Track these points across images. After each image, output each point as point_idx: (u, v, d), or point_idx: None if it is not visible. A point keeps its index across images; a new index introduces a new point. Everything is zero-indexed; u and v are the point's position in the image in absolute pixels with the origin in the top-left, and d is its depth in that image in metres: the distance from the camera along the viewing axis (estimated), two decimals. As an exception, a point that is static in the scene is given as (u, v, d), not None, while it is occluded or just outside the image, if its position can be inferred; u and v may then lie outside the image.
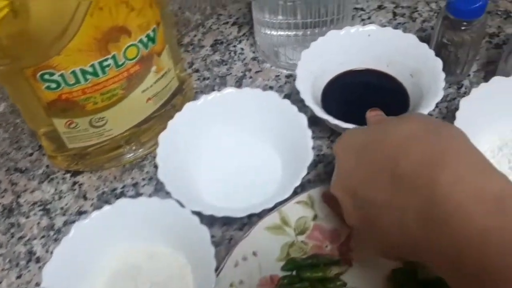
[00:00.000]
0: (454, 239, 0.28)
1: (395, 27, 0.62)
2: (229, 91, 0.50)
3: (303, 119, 0.47)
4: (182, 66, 0.54)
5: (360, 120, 0.42)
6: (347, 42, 0.53)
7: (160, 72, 0.48)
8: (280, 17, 0.55)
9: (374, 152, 0.34)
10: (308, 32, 0.57)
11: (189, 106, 0.49)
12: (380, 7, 0.65)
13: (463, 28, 0.50)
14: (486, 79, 0.55)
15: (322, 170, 0.51)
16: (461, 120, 0.45)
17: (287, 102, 0.48)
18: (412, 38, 0.51)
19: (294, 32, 0.57)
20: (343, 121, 0.46)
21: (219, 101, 0.50)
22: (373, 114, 0.41)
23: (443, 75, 0.47)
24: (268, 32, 0.58)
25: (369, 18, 0.64)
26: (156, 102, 0.50)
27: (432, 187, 0.30)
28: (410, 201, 0.31)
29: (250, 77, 0.60)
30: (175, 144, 0.48)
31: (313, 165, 0.51)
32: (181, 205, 0.42)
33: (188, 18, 0.64)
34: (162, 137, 0.47)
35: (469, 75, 0.56)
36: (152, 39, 0.45)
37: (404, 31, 0.61)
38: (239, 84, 0.59)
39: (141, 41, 0.44)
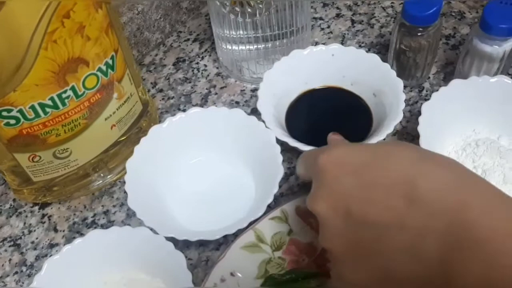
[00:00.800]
0: (487, 265, 0.26)
1: (355, 35, 0.63)
2: (194, 111, 0.50)
3: (270, 134, 0.47)
4: (144, 88, 0.53)
5: (325, 140, 0.43)
6: (311, 61, 0.54)
7: (122, 98, 0.47)
8: (240, 32, 0.55)
9: (380, 172, 0.32)
10: (270, 45, 0.57)
11: (154, 130, 0.48)
12: (338, 15, 0.66)
13: (419, 34, 0.51)
14: (445, 80, 0.57)
15: (294, 183, 0.51)
16: (424, 125, 0.46)
17: (253, 118, 0.48)
18: (374, 58, 0.52)
19: (255, 46, 0.57)
20: (307, 141, 0.47)
21: (185, 122, 0.49)
22: (334, 138, 0.42)
23: (403, 96, 0.48)
24: (230, 48, 0.58)
25: (328, 27, 0.65)
26: (121, 128, 0.49)
27: (462, 211, 0.28)
28: (431, 223, 0.28)
29: (216, 93, 0.59)
30: (144, 169, 0.47)
31: (285, 178, 0.51)
32: (155, 232, 0.42)
33: (148, 38, 0.64)
34: (130, 164, 0.46)
35: (429, 77, 0.58)
36: (111, 67, 0.44)
37: (364, 38, 0.63)
38: (204, 101, 0.59)
39: (100, 69, 0.43)
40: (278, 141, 0.47)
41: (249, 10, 0.51)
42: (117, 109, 0.47)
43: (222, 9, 0.52)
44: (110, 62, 0.44)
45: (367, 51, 0.60)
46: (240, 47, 0.57)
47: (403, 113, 0.55)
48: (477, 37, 0.49)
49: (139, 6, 0.61)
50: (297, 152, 0.52)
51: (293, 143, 0.46)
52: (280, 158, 0.45)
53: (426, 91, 0.57)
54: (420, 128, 0.46)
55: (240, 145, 0.49)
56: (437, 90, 0.48)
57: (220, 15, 0.54)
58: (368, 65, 0.52)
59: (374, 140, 0.46)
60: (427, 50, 0.52)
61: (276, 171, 0.45)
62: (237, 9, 0.51)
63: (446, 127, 0.49)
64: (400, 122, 0.54)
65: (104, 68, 0.44)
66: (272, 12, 0.52)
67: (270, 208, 0.45)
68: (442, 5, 0.50)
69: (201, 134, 0.50)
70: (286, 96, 0.54)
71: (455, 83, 0.48)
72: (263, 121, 0.48)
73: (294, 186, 0.51)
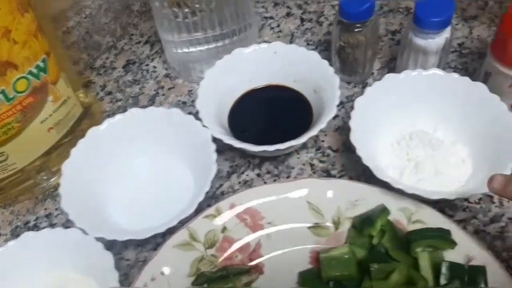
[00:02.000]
0: None
1: (303, 33, 0.64)
2: (133, 111, 0.50)
3: (207, 133, 0.47)
4: (86, 91, 0.53)
5: (267, 136, 0.43)
6: (254, 60, 0.54)
7: (58, 101, 0.48)
8: (184, 34, 0.56)
9: None
10: (216, 45, 0.58)
11: (92, 132, 0.49)
12: (288, 14, 0.67)
13: (356, 30, 0.51)
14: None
15: (235, 181, 0.51)
16: (357, 119, 0.46)
17: (190, 117, 0.49)
18: (314, 55, 0.52)
19: (202, 47, 0.57)
20: (251, 139, 0.48)
21: (123, 123, 0.50)
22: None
23: (338, 92, 0.48)
24: (176, 50, 0.58)
25: (278, 26, 0.65)
26: (59, 130, 0.49)
27: None
28: None
29: (163, 95, 0.60)
30: (82, 171, 0.48)
31: (227, 177, 0.52)
32: (85, 233, 0.42)
33: (98, 42, 0.64)
34: (65, 166, 0.47)
35: (373, 73, 0.58)
36: (43, 69, 0.45)
37: (312, 36, 0.63)
38: (152, 102, 0.59)
39: (30, 72, 0.44)
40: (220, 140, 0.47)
41: (186, 10, 0.52)
42: (54, 112, 0.48)
43: (163, 10, 0.53)
44: (42, 65, 0.45)
45: (314, 49, 0.62)
46: (187, 50, 0.57)
47: (346, 109, 0.56)
48: (412, 31, 0.50)
49: (87, 10, 0.62)
50: (240, 152, 0.52)
51: (228, 140, 0.47)
52: (214, 156, 0.46)
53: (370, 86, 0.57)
54: (352, 123, 0.46)
55: (179, 145, 0.50)
56: (371, 85, 0.49)
57: (163, 19, 0.54)
58: (309, 62, 0.53)
59: (310, 134, 0.46)
60: (365, 45, 0.53)
61: (210, 169, 0.45)
62: (176, 9, 0.52)
63: (382, 121, 0.49)
64: (342, 117, 0.55)
65: (35, 71, 0.44)
66: (212, 11, 0.53)
67: (209, 206, 0.45)
68: (375, 2, 0.50)
69: (141, 135, 0.50)
70: (229, 95, 0.54)
71: (389, 77, 0.49)
72: (201, 120, 0.48)
73: (235, 184, 0.51)
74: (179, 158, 0.50)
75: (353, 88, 0.57)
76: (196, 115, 0.49)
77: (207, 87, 0.51)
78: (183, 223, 0.44)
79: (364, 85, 0.57)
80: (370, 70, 0.57)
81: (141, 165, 0.51)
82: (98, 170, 0.49)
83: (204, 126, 0.48)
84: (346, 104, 0.56)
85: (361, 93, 0.56)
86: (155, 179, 0.51)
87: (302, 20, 0.66)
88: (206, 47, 0.57)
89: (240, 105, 0.55)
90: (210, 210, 0.45)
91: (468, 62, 0.57)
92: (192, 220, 0.44)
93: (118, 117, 0.50)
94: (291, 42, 0.63)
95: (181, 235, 0.44)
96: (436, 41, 0.49)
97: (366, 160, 0.43)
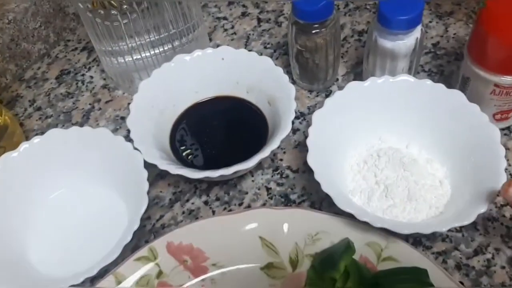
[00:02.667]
0: None
1: (260, 35, 0.57)
2: (53, 133, 0.42)
3: (138, 157, 0.40)
4: (3, 109, 0.45)
5: (215, 157, 0.37)
6: (198, 68, 0.47)
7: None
8: (121, 43, 0.48)
9: None
10: (165, 48, 0.50)
11: (4, 159, 0.41)
12: (244, 14, 0.59)
13: (314, 31, 0.44)
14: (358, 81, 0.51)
15: (179, 211, 0.44)
16: (314, 137, 0.39)
17: (120, 139, 0.41)
18: (267, 62, 0.45)
19: (142, 55, 0.50)
20: (196, 161, 0.42)
21: (42, 147, 0.42)
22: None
23: (294, 105, 0.41)
24: (115, 61, 0.50)
25: (232, 27, 0.58)
26: (-36, 157, 0.41)
27: None
28: None
29: (100, 109, 0.52)
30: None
31: (169, 206, 0.44)
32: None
33: (27, 50, 0.56)
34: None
35: (337, 79, 0.51)
36: None
37: (270, 38, 0.56)
38: (86, 118, 0.51)
39: None
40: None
41: (114, 12, 0.44)
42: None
43: (88, 13, 0.45)
44: None
45: (273, 52, 0.55)
46: (122, 60, 0.50)
47: (307, 121, 0.49)
48: (376, 32, 0.43)
49: (10, 14, 0.53)
50: (184, 177, 0.45)
51: (163, 166, 0.39)
52: (146, 186, 0.38)
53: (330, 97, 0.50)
54: (309, 141, 0.39)
55: (109, 171, 0.42)
56: (331, 96, 0.42)
57: (90, 24, 0.46)
58: (262, 69, 0.46)
59: (260, 157, 0.39)
60: (326, 49, 0.46)
61: (141, 201, 0.38)
62: (101, 11, 0.44)
63: (346, 137, 0.42)
64: (304, 132, 0.48)
65: None
66: (144, 12, 0.45)
67: (147, 242, 0.38)
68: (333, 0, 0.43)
69: (62, 161, 0.42)
70: (170, 110, 0.47)
71: (351, 86, 0.42)
72: (132, 141, 0.41)
73: (179, 215, 0.43)
74: (108, 186, 0.43)
75: (315, 97, 0.50)
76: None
77: (141, 102, 0.44)
78: (114, 265, 0.36)
79: (328, 93, 0.51)
80: (334, 76, 0.50)
81: (63, 196, 0.43)
82: (11, 206, 0.41)
83: (135, 148, 0.40)
84: (308, 116, 0.49)
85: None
86: (83, 213, 0.43)
87: (259, 20, 0.59)
88: (145, 54, 0.49)
89: (184, 121, 0.47)
90: (143, 251, 0.37)
91: (444, 65, 0.51)
92: (121, 263, 0.37)
93: (36, 139, 0.42)
94: (246, 45, 0.56)
95: (107, 284, 0.36)
96: (405, 43, 0.42)
97: (326, 187, 0.36)
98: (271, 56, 0.54)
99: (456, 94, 0.40)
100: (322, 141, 0.40)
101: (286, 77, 0.44)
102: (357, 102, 0.42)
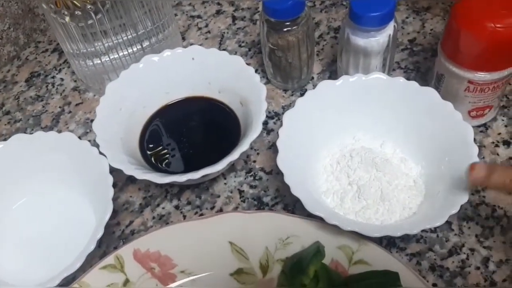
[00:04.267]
0: None
1: (235, 33, 0.56)
2: (18, 138, 0.41)
3: (104, 163, 0.38)
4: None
5: (187, 160, 0.37)
6: (169, 68, 0.46)
7: None
8: (89, 45, 0.47)
9: None
10: (136, 48, 0.49)
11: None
12: (218, 12, 0.58)
13: (285, 29, 0.43)
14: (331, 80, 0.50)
15: (149, 216, 0.43)
16: (285, 138, 0.38)
17: (86, 143, 0.40)
18: (238, 62, 0.44)
19: (112, 56, 0.48)
20: (166, 164, 0.41)
21: (5, 153, 0.41)
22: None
23: (264, 105, 0.40)
24: (84, 63, 0.49)
25: (206, 26, 0.57)
26: None
27: None
28: None
29: (69, 112, 0.51)
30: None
31: (139, 210, 0.43)
32: None
33: (-4, 52, 0.55)
34: None
35: (312, 78, 0.50)
36: None
37: (244, 36, 0.55)
38: (55, 122, 0.50)
39: None
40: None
41: (77, 13, 0.43)
42: None
43: (52, 14, 0.44)
44: None
45: (247, 51, 0.54)
46: (91, 62, 0.48)
47: (282, 121, 0.48)
48: (349, 29, 0.42)
49: (-25, 15, 0.52)
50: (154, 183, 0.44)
51: (129, 171, 0.38)
52: (110, 192, 0.37)
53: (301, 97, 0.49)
54: (279, 143, 0.38)
55: (74, 177, 0.41)
56: (303, 95, 0.41)
57: (56, 25, 0.45)
58: (233, 69, 0.45)
59: (229, 160, 0.38)
60: (299, 47, 0.45)
61: (106, 209, 0.37)
62: (65, 12, 0.43)
63: (318, 137, 0.41)
64: (278, 132, 0.47)
65: None
66: (110, 12, 0.44)
67: (115, 249, 0.37)
68: (305, -6, 0.42)
69: (27, 167, 0.41)
70: (140, 112, 0.46)
71: (323, 84, 0.41)
72: (97, 145, 0.39)
73: (149, 220, 0.42)
74: (77, 193, 0.41)
75: (290, 97, 0.49)
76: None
77: (109, 104, 0.43)
78: (81, 272, 0.35)
79: (303, 92, 0.49)
80: (308, 74, 0.49)
81: (31, 204, 0.42)
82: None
83: (101, 153, 0.39)
84: (282, 116, 0.48)
85: (299, 101, 0.49)
86: (48, 221, 0.42)
87: (234, 18, 0.57)
88: (114, 56, 0.48)
89: (154, 123, 0.46)
90: (109, 259, 0.36)
91: (420, 62, 0.50)
92: (86, 272, 0.36)
93: (-1, 146, 0.41)
94: (220, 44, 0.55)
95: (72, 294, 0.35)
96: (377, 40, 0.41)
97: (296, 190, 0.35)
98: (246, 55, 0.53)
99: (429, 92, 0.39)
100: (293, 142, 0.39)
101: (257, 77, 0.43)
102: (330, 101, 0.41)
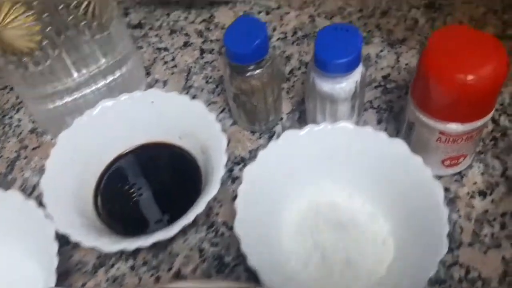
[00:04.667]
0: None
1: (202, 68, 0.53)
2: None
3: (50, 227, 0.36)
4: None
5: (144, 217, 0.36)
6: (126, 113, 0.43)
7: None
8: (41, 88, 0.44)
9: None
10: (88, 91, 0.46)
11: None
12: (186, 44, 0.55)
13: (248, 74, 0.41)
14: (300, 121, 0.47)
15: (103, 277, 0.39)
16: (245, 197, 0.36)
17: (32, 204, 0.37)
18: (199, 107, 0.41)
19: (67, 99, 0.46)
20: (122, 224, 0.38)
21: None
22: None
23: (224, 158, 0.37)
24: (39, 106, 0.46)
25: (173, 59, 0.54)
26: None
27: None
28: None
29: (25, 157, 0.48)
30: None
31: (92, 271, 0.40)
32: None
33: None
34: None
35: (281, 118, 0.48)
36: None
37: (212, 71, 0.53)
38: (10, 169, 0.47)
39: None
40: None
41: (25, 59, 0.40)
42: None
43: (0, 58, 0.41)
44: None
45: (215, 88, 0.51)
46: (45, 106, 0.45)
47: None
48: (314, 73, 0.39)
49: None
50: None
51: (76, 237, 0.35)
52: (55, 261, 0.34)
53: (278, 136, 0.47)
54: (238, 204, 0.35)
55: (19, 240, 0.38)
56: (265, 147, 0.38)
57: (9, 73, 0.42)
58: (194, 114, 0.42)
59: (182, 224, 0.35)
60: (264, 91, 0.42)
61: (49, 278, 0.34)
62: (12, 58, 0.40)
63: (284, 191, 0.39)
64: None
65: None
66: (61, 55, 0.41)
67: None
68: (267, 37, 0.39)
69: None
70: (96, 161, 0.43)
71: (287, 135, 0.38)
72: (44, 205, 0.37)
73: (103, 282, 0.39)
74: (21, 258, 0.39)
75: (258, 140, 0.47)
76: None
77: (60, 157, 0.40)
78: None
79: (272, 134, 0.47)
80: (277, 115, 0.47)
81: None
82: None
83: (47, 216, 0.36)
84: (249, 161, 0.45)
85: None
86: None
87: (202, 51, 0.55)
88: (69, 98, 0.45)
89: (111, 173, 0.43)
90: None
91: (394, 100, 0.47)
92: None
93: None
94: (187, 79, 0.52)
95: None
96: (343, 87, 0.39)
97: (253, 260, 0.33)
98: (212, 92, 0.51)
99: (398, 144, 0.37)
100: (255, 200, 0.36)
101: (218, 126, 0.40)
102: (294, 152, 0.39)
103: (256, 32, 0.39)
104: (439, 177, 0.41)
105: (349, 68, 0.38)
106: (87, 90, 0.46)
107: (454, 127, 0.36)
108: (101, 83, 0.46)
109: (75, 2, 0.37)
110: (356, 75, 0.38)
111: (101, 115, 0.42)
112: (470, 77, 0.33)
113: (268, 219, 0.37)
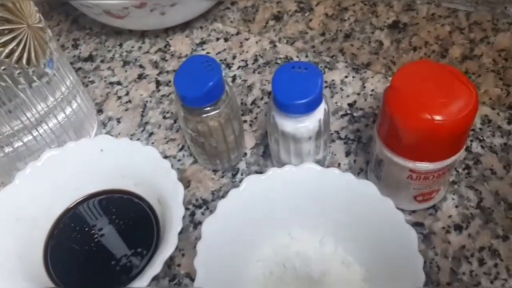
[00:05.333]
0: None
1: (159, 102, 0.50)
2: None
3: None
4: None
5: (101, 270, 0.33)
6: (74, 161, 0.40)
7: None
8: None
9: None
10: (29, 137, 0.42)
11: None
12: (140, 77, 0.52)
13: (204, 115, 0.38)
14: (265, 156, 0.45)
15: None
16: (206, 252, 0.33)
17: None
18: (152, 153, 0.38)
19: (7, 150, 0.42)
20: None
21: None
22: None
23: (181, 212, 0.34)
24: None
25: (127, 94, 0.51)
26: None
27: None
28: None
29: (-33, 212, 0.44)
30: None
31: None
32: None
33: None
34: None
35: (245, 154, 0.45)
36: None
37: (169, 105, 0.50)
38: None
39: None
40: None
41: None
42: None
43: None
44: None
45: (172, 123, 0.48)
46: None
47: (211, 211, 0.42)
48: (274, 113, 0.37)
49: None
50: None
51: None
52: None
53: (242, 173, 0.44)
54: (197, 261, 0.32)
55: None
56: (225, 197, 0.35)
57: None
58: (147, 161, 0.39)
59: (141, 283, 0.32)
60: (222, 131, 0.39)
61: None
62: None
63: (250, 241, 0.36)
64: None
65: None
66: None
67: None
68: (222, 77, 0.37)
69: None
70: (44, 217, 0.39)
71: (249, 181, 0.35)
72: None
73: None
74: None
75: (220, 179, 0.44)
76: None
77: (1, 217, 0.36)
78: None
79: (235, 172, 0.44)
80: (240, 152, 0.44)
81: None
82: None
83: (-15, 289, 0.33)
84: (212, 204, 0.42)
85: (231, 184, 0.44)
86: None
87: (158, 83, 0.51)
88: (9, 148, 0.41)
89: (61, 229, 0.39)
90: None
91: (362, 130, 0.45)
92: None
93: None
94: (142, 115, 0.49)
95: None
96: (306, 126, 0.36)
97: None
98: (170, 128, 0.47)
99: (367, 186, 0.35)
100: (216, 257, 0.33)
101: (174, 174, 0.37)
102: (258, 199, 0.36)
103: (209, 73, 0.36)
104: (412, 211, 0.39)
105: (310, 108, 0.35)
106: (29, 137, 0.42)
107: (424, 165, 0.34)
108: (42, 130, 0.42)
109: (6, 51, 0.33)
110: (319, 113, 0.36)
111: (46, 166, 0.39)
112: (437, 118, 0.31)
113: (231, 276, 0.34)
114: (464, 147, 0.34)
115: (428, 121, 0.31)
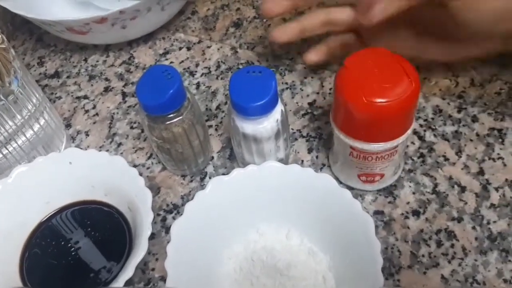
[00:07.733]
0: None
1: (126, 113, 0.51)
2: None
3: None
4: None
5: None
6: (44, 176, 0.41)
7: None
8: None
9: None
10: (5, 153, 0.43)
11: None
12: (107, 89, 0.53)
13: (168, 122, 0.39)
14: (231, 159, 0.46)
15: None
16: (176, 254, 0.34)
17: None
18: (120, 162, 0.40)
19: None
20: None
21: None
22: None
23: (150, 217, 0.36)
24: None
25: (94, 107, 0.52)
26: None
27: None
28: None
29: None
30: None
31: None
32: None
33: None
34: None
35: (212, 157, 0.47)
36: None
37: (136, 116, 0.51)
38: None
39: None
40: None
41: None
42: None
43: None
44: None
45: (140, 133, 0.49)
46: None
47: (182, 214, 0.44)
48: (234, 116, 0.39)
49: None
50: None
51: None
52: None
53: (210, 177, 0.45)
54: (168, 263, 0.34)
55: None
56: (204, 187, 0.37)
57: None
58: (115, 170, 0.40)
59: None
60: (187, 137, 0.41)
61: None
62: None
63: (219, 239, 0.37)
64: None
65: None
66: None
67: None
68: (182, 85, 0.38)
69: None
70: (17, 231, 0.40)
71: (214, 182, 0.37)
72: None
73: None
74: None
75: (189, 183, 0.45)
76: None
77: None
78: None
79: (203, 175, 0.46)
80: (206, 156, 0.45)
81: None
82: None
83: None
84: (182, 208, 0.44)
85: (200, 188, 0.45)
86: None
87: (124, 95, 0.53)
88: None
89: (35, 243, 0.40)
90: None
91: (322, 127, 0.47)
92: None
93: None
94: (110, 126, 0.50)
95: None
96: (265, 126, 0.38)
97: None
98: (138, 138, 0.49)
99: (325, 179, 0.36)
100: (186, 257, 0.35)
101: (141, 181, 0.38)
102: (224, 199, 0.38)
103: (169, 81, 0.37)
104: (361, 192, 0.42)
105: (267, 109, 0.37)
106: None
107: (360, 145, 0.36)
108: (11, 147, 0.43)
109: (-33, 72, 0.34)
110: (277, 113, 0.38)
111: (16, 182, 0.40)
112: (371, 100, 0.33)
113: (203, 274, 0.36)
114: (404, 136, 0.36)
115: (362, 101, 0.33)
